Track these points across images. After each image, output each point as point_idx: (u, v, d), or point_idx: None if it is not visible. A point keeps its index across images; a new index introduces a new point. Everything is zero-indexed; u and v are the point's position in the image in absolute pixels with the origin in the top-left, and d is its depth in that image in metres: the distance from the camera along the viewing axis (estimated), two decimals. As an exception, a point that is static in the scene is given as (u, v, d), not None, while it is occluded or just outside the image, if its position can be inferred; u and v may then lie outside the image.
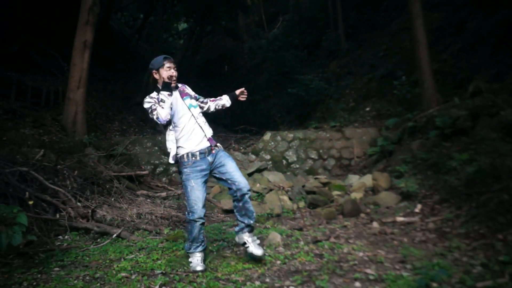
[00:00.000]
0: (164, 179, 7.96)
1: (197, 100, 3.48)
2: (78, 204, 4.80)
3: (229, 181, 3.24)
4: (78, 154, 6.62)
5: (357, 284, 2.86)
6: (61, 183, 5.12)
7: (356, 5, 15.00)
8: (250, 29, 22.31)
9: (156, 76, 3.28)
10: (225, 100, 3.59)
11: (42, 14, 12.18)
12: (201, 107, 3.50)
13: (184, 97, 3.35)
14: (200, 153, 3.22)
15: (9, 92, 8.75)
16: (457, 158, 4.96)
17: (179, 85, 3.43)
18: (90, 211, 4.67)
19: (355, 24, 14.61)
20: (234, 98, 3.59)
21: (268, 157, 8.43)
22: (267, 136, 8.77)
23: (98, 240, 4.23)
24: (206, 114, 3.55)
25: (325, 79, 12.55)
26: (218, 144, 3.37)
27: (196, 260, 3.24)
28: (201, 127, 3.30)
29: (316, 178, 6.65)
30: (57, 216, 4.54)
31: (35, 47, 11.05)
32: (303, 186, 6.24)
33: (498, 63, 7.03)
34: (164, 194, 6.28)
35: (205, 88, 20.90)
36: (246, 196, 3.22)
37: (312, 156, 8.43)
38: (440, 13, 10.54)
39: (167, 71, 3.22)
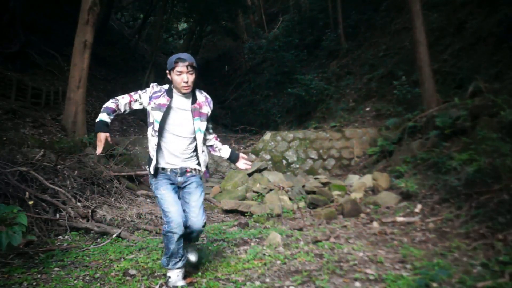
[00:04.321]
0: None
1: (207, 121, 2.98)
2: (78, 204, 4.80)
3: (185, 211, 2.92)
4: (78, 154, 6.62)
5: (357, 284, 2.86)
6: (61, 183, 5.12)
7: (356, 5, 15.01)
8: (250, 29, 22.32)
9: (169, 77, 2.83)
10: (224, 152, 3.14)
11: (42, 14, 12.18)
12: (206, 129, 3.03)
13: (196, 117, 2.86)
14: (172, 171, 2.90)
15: (9, 92, 8.75)
16: (457, 158, 4.96)
17: (199, 98, 2.92)
18: (90, 211, 4.67)
19: (355, 24, 14.62)
20: (233, 158, 3.15)
21: (268, 157, 8.43)
22: (267, 136, 8.77)
23: (98, 240, 4.23)
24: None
25: (325, 79, 12.57)
26: (200, 170, 3.00)
27: (176, 276, 2.92)
28: (197, 155, 2.94)
29: (316, 178, 6.65)
30: (57, 216, 4.54)
31: (35, 47, 11.04)
32: (303, 186, 6.24)
33: (498, 63, 7.03)
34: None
35: (205, 88, 20.96)
36: (193, 234, 2.99)
37: (312, 156, 8.43)
38: (440, 13, 10.54)
39: (178, 75, 2.75)
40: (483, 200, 3.94)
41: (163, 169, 2.89)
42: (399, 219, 4.58)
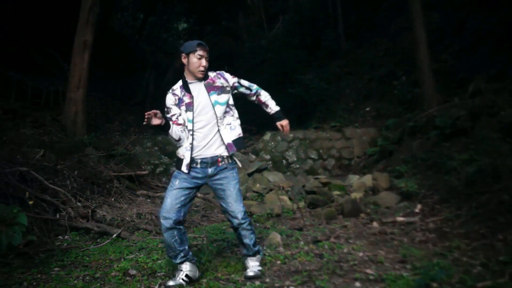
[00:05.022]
0: (164, 179, 7.96)
1: (237, 89, 3.06)
2: (78, 204, 4.80)
3: (222, 208, 3.00)
4: (78, 154, 6.61)
5: (357, 284, 2.86)
6: (61, 183, 5.12)
7: (356, 5, 15.00)
8: (250, 29, 22.29)
9: (184, 61, 2.87)
10: (272, 107, 3.28)
11: (42, 14, 12.17)
12: (245, 94, 3.13)
13: (211, 92, 2.90)
14: (202, 162, 2.87)
15: (9, 92, 8.75)
16: (457, 158, 4.96)
17: (211, 74, 2.98)
18: (90, 211, 4.67)
19: (355, 24, 14.61)
20: (276, 117, 3.29)
21: (268, 157, 8.43)
22: (267, 136, 8.77)
23: (98, 240, 4.23)
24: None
25: (325, 79, 12.55)
26: (231, 156, 2.95)
27: (177, 275, 2.87)
28: (219, 131, 2.90)
29: (316, 178, 6.65)
30: (57, 216, 4.54)
31: (35, 47, 11.04)
32: (303, 186, 6.24)
33: (498, 63, 7.02)
34: (164, 194, 6.27)
35: (205, 88, 20.96)
36: (240, 229, 2.94)
37: (312, 156, 8.43)
38: (440, 13, 10.54)
39: (198, 59, 2.83)
40: (483, 200, 3.94)
41: (193, 160, 2.85)
42: (399, 219, 4.57)
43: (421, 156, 5.93)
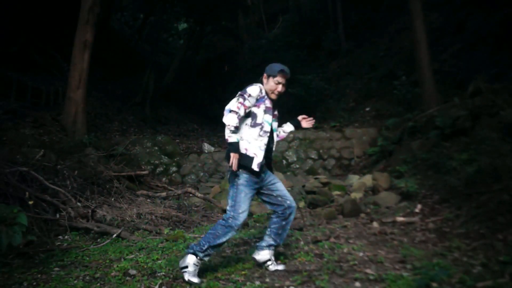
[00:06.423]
0: (164, 179, 7.97)
1: None
2: (78, 204, 4.80)
3: (279, 198, 3.17)
4: (78, 154, 6.62)
5: (357, 284, 2.86)
6: (61, 183, 5.12)
7: (356, 5, 15.01)
8: (250, 29, 22.27)
9: (265, 80, 3.13)
10: (288, 128, 3.46)
11: (42, 14, 12.17)
12: None
13: (274, 118, 3.20)
14: (263, 165, 3.11)
15: (9, 92, 8.76)
16: (457, 158, 4.96)
17: None
18: (90, 211, 4.67)
19: (355, 24, 14.63)
20: (295, 125, 3.47)
21: (268, 157, 8.43)
22: (267, 136, 8.77)
23: (98, 240, 4.23)
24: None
25: (325, 79, 12.56)
26: None
27: (194, 269, 2.95)
28: (271, 151, 3.22)
29: (316, 178, 6.65)
30: (57, 216, 4.54)
31: (35, 47, 11.05)
32: (303, 186, 6.24)
33: (498, 63, 7.03)
34: (164, 194, 6.28)
35: (205, 88, 20.97)
36: (293, 215, 3.21)
37: (312, 156, 8.43)
38: (440, 13, 10.55)
39: (275, 84, 3.08)
40: (483, 200, 3.94)
41: (262, 165, 3.04)
42: (399, 219, 4.57)
43: (421, 156, 5.93)
